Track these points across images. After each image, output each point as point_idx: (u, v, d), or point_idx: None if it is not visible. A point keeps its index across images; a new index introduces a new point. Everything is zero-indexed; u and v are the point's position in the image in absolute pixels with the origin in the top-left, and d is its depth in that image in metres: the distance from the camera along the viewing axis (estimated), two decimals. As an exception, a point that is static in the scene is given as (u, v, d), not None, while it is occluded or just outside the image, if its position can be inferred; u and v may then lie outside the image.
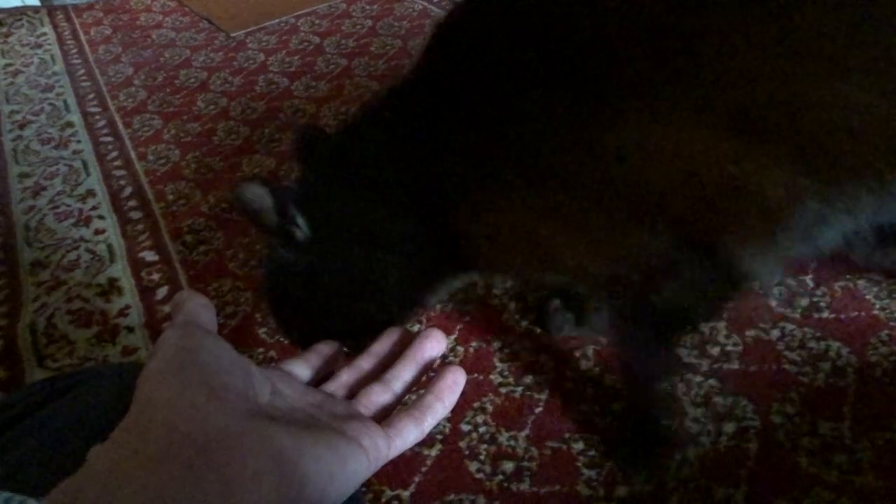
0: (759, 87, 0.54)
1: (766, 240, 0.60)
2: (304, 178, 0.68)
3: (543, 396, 0.81)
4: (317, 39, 1.76)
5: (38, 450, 0.48)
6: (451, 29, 0.64)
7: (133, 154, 1.40)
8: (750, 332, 0.84)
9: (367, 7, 1.88)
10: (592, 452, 0.75)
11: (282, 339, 0.92)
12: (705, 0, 0.55)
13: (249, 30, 1.86)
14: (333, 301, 0.67)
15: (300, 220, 0.62)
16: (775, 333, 0.84)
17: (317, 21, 1.85)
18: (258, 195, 0.59)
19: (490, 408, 0.81)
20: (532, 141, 0.58)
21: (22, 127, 1.55)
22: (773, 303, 0.87)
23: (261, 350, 0.93)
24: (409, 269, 0.67)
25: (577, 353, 0.85)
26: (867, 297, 0.86)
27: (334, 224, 0.65)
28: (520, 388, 0.82)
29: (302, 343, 0.69)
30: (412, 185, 0.63)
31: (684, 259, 0.61)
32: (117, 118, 1.54)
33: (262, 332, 0.95)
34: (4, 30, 2.04)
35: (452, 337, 0.90)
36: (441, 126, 0.61)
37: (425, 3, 1.84)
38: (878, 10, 0.53)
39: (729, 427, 0.75)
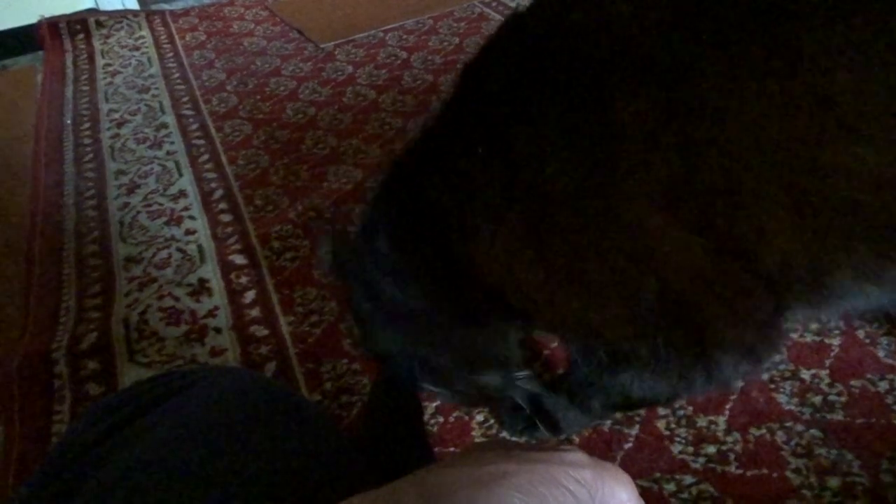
0: (767, 152, 0.50)
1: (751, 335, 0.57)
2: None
3: (634, 432, 0.79)
4: (404, 54, 1.78)
5: (150, 451, 0.48)
6: (478, 73, 0.61)
7: (224, 158, 1.43)
8: (855, 383, 0.80)
9: (455, 25, 1.90)
10: (685, 496, 0.72)
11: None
12: (726, 59, 0.50)
13: (338, 41, 1.89)
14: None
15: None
16: (883, 386, 0.80)
17: (404, 36, 1.88)
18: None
19: (577, 440, 0.79)
20: (544, 190, 0.55)
21: (119, 126, 1.61)
22: (881, 353, 0.83)
23: (345, 361, 0.93)
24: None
25: (669, 390, 0.83)
26: None
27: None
28: (609, 422, 0.80)
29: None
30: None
31: (658, 347, 0.58)
32: (209, 122, 1.58)
33: (346, 342, 0.96)
34: (105, 31, 2.13)
35: (536, 364, 0.89)
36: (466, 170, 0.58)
37: (513, 23, 1.84)
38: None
39: (833, 482, 0.71)
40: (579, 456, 0.37)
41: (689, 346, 0.59)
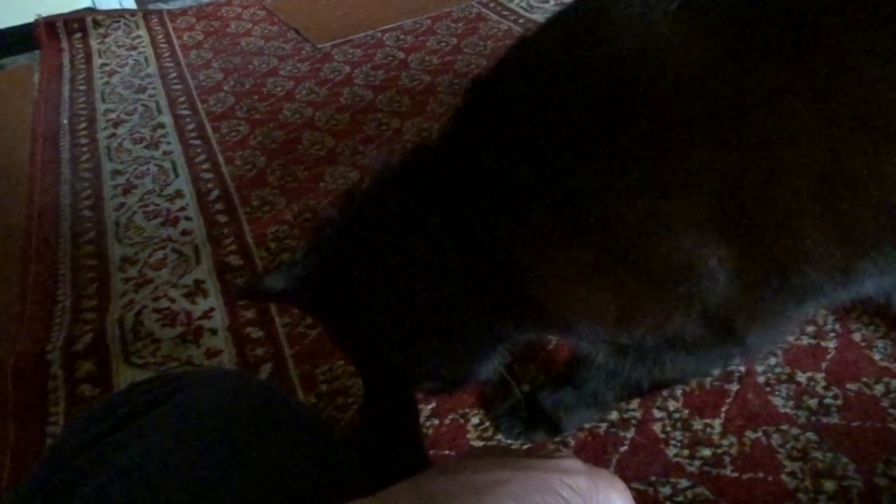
0: (806, 160, 0.51)
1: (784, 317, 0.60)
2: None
3: (629, 434, 0.79)
4: (401, 55, 1.78)
5: (144, 455, 0.48)
6: (491, 87, 0.62)
7: (220, 158, 1.43)
8: (851, 386, 0.80)
9: (452, 25, 1.90)
10: (680, 499, 0.72)
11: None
12: (771, 83, 0.51)
13: (336, 42, 1.89)
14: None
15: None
16: (879, 389, 0.80)
17: (402, 36, 1.88)
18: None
19: (572, 442, 0.79)
20: (579, 202, 0.55)
21: (116, 125, 1.61)
22: (877, 356, 0.83)
23: (341, 363, 0.93)
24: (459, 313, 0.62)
25: (665, 392, 0.83)
26: (982, 357, 0.81)
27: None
28: (604, 425, 0.80)
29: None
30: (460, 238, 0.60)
31: (704, 336, 0.60)
32: (206, 122, 1.58)
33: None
34: (102, 31, 2.13)
35: (533, 366, 0.89)
36: (496, 179, 0.58)
37: (510, 24, 1.84)
38: None
39: (828, 486, 0.71)
40: (574, 463, 0.37)
41: (730, 339, 0.61)
